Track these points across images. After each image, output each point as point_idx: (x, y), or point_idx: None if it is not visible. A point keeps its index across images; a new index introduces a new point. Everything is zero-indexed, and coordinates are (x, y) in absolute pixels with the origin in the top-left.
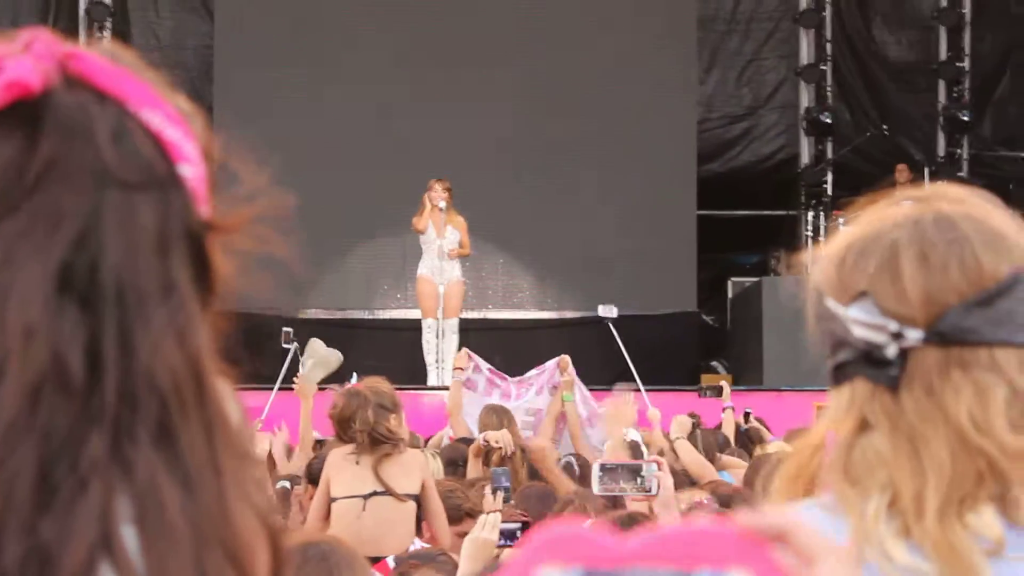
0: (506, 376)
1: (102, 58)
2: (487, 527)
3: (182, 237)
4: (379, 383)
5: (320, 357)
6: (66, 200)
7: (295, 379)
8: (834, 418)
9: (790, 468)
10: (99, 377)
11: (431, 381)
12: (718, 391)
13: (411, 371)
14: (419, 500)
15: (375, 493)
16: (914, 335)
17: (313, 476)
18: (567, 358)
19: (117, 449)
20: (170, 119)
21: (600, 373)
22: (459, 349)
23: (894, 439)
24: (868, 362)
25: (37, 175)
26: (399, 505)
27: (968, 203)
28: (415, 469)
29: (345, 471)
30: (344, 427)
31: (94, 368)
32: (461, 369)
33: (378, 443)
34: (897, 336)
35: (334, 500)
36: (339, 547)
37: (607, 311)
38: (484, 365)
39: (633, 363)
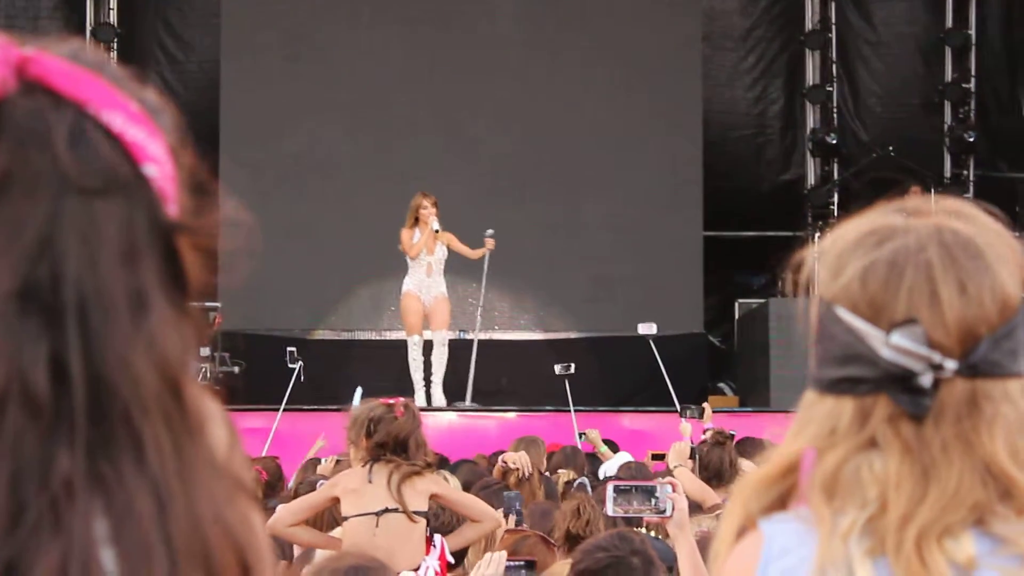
0: None
1: (61, 60)
2: (492, 564)
3: (150, 240)
4: (411, 402)
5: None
6: (23, 210)
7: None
8: (827, 431)
9: (758, 480)
10: (66, 392)
11: (418, 401)
12: (700, 412)
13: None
14: (428, 517)
15: (387, 510)
16: (951, 366)
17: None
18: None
19: (90, 465)
20: (132, 119)
21: (604, 394)
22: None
23: (904, 464)
24: (900, 388)
25: None
26: (411, 524)
27: (978, 221)
28: (424, 486)
29: (358, 491)
30: (397, 445)
31: (60, 382)
32: None
33: (417, 464)
34: (937, 367)
35: (346, 519)
36: (371, 561)
37: (647, 328)
38: None
39: (640, 385)
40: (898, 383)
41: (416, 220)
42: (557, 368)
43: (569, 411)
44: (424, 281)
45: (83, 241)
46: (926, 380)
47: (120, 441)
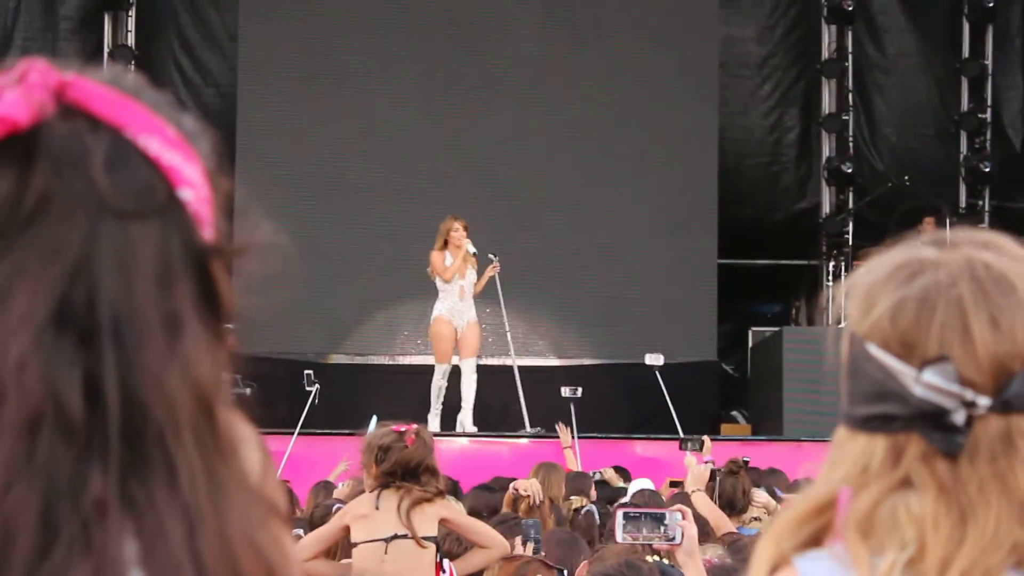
0: None
1: (99, 84)
2: None
3: (185, 264)
4: (423, 429)
5: None
6: (60, 232)
7: None
8: (860, 469)
9: (791, 517)
10: (101, 413)
11: (432, 425)
12: (700, 444)
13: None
14: (437, 543)
15: (396, 536)
16: (984, 403)
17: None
18: None
19: (122, 487)
20: (169, 143)
21: (617, 420)
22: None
23: (940, 504)
24: (932, 425)
25: (31, 209)
26: (420, 549)
27: (1010, 253)
28: (433, 511)
29: (368, 517)
30: (406, 472)
31: (94, 404)
32: None
33: (428, 491)
34: (970, 405)
35: (355, 545)
36: None
37: (654, 359)
38: None
39: (654, 411)
40: (930, 421)
41: (445, 243)
42: (565, 391)
43: (574, 437)
44: (457, 306)
45: (119, 264)
46: (959, 418)
47: (153, 463)
